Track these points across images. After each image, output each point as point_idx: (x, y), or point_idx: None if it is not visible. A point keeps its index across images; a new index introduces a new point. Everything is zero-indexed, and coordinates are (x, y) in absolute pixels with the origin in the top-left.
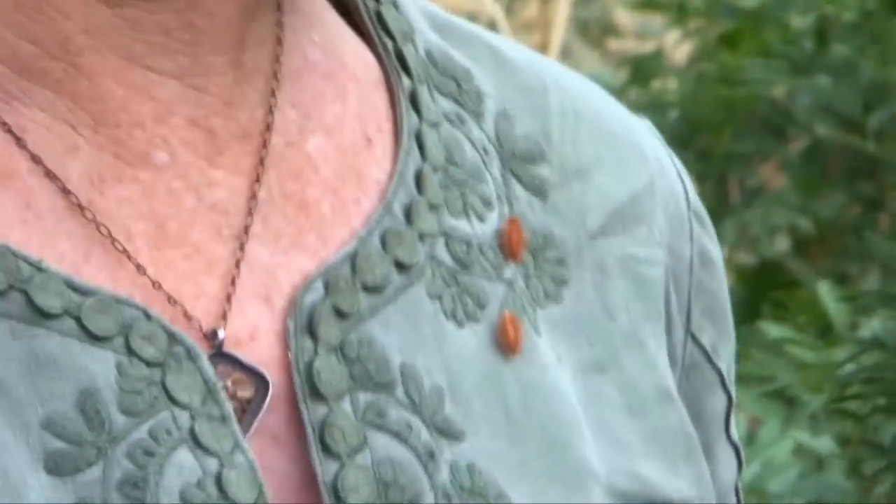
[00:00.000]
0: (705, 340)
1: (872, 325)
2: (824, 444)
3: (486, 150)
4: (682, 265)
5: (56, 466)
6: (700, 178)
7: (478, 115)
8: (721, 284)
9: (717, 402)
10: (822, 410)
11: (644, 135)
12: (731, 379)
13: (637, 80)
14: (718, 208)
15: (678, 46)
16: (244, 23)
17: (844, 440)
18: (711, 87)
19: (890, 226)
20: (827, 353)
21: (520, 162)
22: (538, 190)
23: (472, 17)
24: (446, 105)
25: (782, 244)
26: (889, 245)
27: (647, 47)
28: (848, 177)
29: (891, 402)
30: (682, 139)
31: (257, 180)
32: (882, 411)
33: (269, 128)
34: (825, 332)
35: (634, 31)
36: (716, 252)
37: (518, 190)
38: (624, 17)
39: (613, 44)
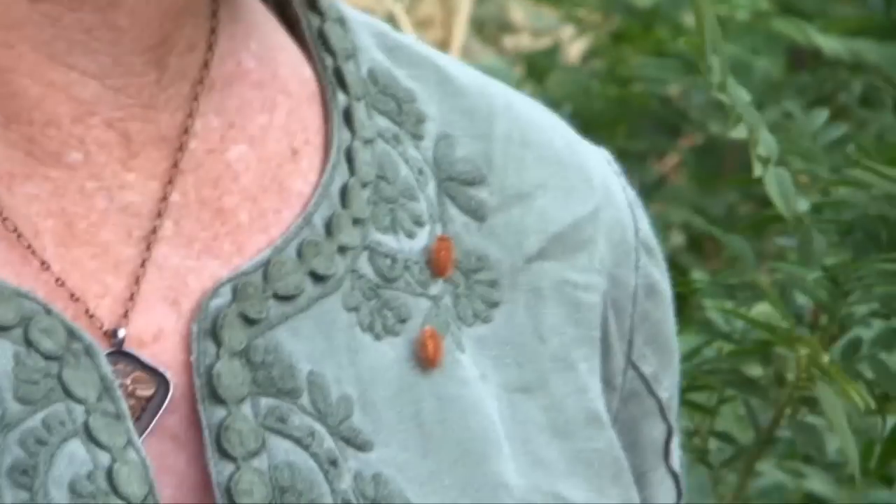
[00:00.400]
0: (646, 369)
1: (714, 316)
2: None
3: (420, 171)
4: (625, 294)
5: None
6: None
7: (416, 136)
8: (667, 315)
9: (656, 430)
10: None
11: (595, 164)
12: (672, 408)
13: (532, 75)
14: None
15: (573, 43)
16: (169, 25)
17: (690, 432)
18: (604, 85)
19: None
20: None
21: (457, 184)
22: (475, 212)
23: (370, 12)
24: (383, 123)
25: (677, 240)
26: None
27: (543, 44)
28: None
29: (735, 392)
30: None
31: (170, 183)
32: (728, 402)
33: (187, 132)
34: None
35: (530, 29)
36: (664, 283)
37: (453, 211)
38: (519, 14)
39: (509, 41)
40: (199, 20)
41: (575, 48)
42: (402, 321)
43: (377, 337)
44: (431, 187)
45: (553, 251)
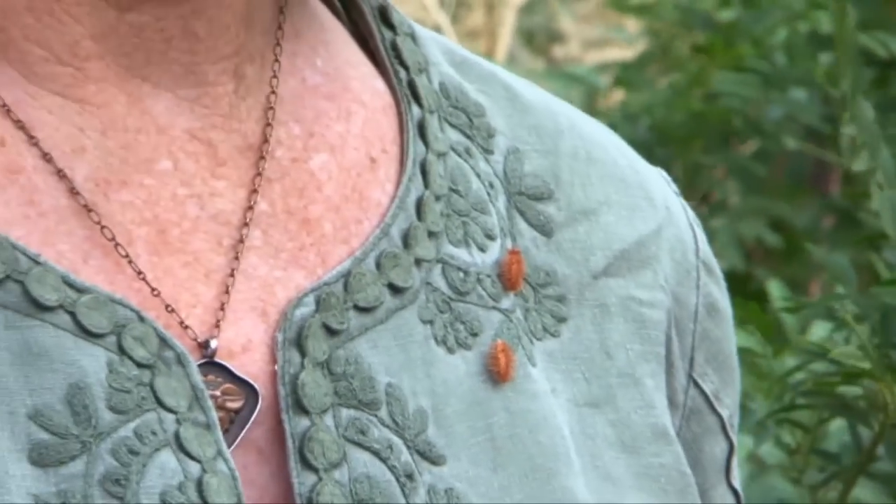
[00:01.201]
0: (707, 387)
1: (815, 334)
2: (769, 451)
3: (491, 185)
4: (687, 312)
5: (40, 457)
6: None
7: (486, 150)
8: (727, 333)
9: (717, 447)
10: (769, 418)
11: (656, 183)
12: (733, 425)
13: (620, 84)
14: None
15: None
16: (243, 35)
17: (792, 449)
18: (683, 99)
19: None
20: (779, 361)
21: (526, 199)
22: (543, 228)
23: (418, 22)
24: (455, 137)
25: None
26: (836, 256)
27: (592, 56)
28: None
29: (835, 411)
30: (647, 149)
31: (256, 192)
32: (827, 421)
33: (267, 141)
34: (778, 339)
35: (579, 39)
36: (724, 301)
37: (522, 226)
38: (568, 24)
39: (559, 51)
40: (267, 33)
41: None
42: (474, 335)
43: (450, 350)
44: (502, 201)
45: (618, 268)
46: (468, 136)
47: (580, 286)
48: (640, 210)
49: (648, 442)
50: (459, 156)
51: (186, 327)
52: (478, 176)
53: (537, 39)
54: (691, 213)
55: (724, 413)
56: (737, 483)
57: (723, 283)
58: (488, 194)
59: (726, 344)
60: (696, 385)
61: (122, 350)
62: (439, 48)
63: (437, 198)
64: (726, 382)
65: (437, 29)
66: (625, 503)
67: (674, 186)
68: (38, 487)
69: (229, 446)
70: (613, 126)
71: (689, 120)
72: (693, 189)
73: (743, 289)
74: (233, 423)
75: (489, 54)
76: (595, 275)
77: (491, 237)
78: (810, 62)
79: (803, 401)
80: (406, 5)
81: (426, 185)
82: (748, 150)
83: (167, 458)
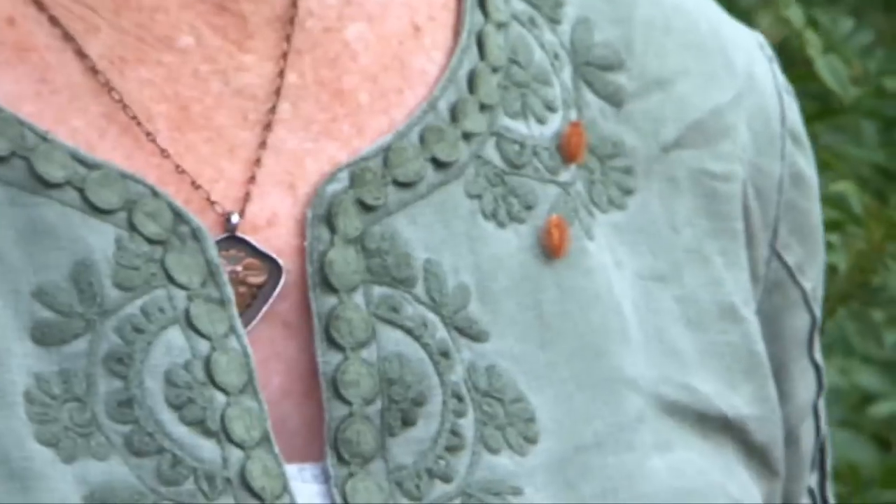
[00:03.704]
0: (790, 259)
1: None
2: None
3: (556, 56)
4: (770, 183)
5: (42, 336)
6: None
7: (553, 20)
8: (813, 204)
9: (800, 321)
10: None
11: (742, 49)
12: (817, 298)
13: None
14: None
15: None
16: None
17: None
18: None
19: None
20: None
21: (595, 69)
22: (612, 98)
23: None
24: (520, 7)
25: None
26: None
27: None
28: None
29: None
30: None
31: (286, 64)
32: None
33: (299, 10)
34: None
35: None
36: (809, 172)
37: (589, 97)
38: None
39: None
40: None
41: None
42: (529, 208)
43: (501, 224)
44: (567, 72)
45: (691, 139)
46: (534, 6)
47: (649, 158)
48: (718, 78)
49: (715, 319)
50: (523, 26)
51: (214, 202)
52: (542, 47)
53: None
54: (781, 80)
55: (808, 286)
56: (819, 357)
57: (811, 154)
58: (552, 65)
59: (812, 216)
60: (779, 257)
61: (132, 226)
62: None
63: (495, 69)
64: (811, 254)
65: None
66: (688, 379)
67: (768, 51)
68: (40, 366)
69: (250, 320)
70: None
71: None
72: None
73: None
74: (255, 298)
75: None
76: (665, 147)
77: (552, 109)
78: None
79: None
80: None
81: (482, 56)
82: None
83: (174, 335)
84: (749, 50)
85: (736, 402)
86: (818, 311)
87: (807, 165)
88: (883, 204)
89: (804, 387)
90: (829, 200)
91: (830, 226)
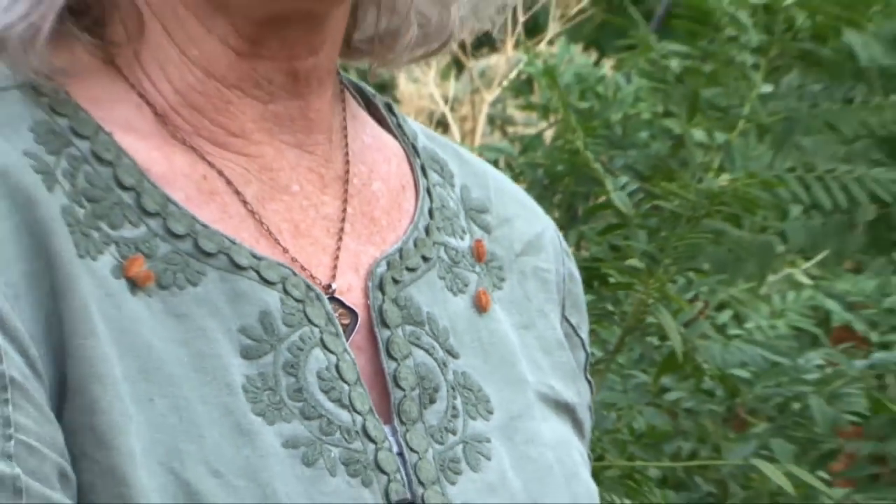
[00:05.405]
0: (573, 320)
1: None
2: None
3: (457, 204)
4: (560, 278)
5: (247, 354)
6: (557, 205)
7: (451, 185)
8: (580, 290)
9: (580, 356)
10: None
11: (537, 207)
12: (586, 341)
13: (525, 151)
14: (567, 224)
15: (546, 131)
16: (329, 117)
17: None
18: (562, 155)
19: None
20: None
21: (475, 212)
22: (486, 228)
23: (429, 112)
24: (436, 178)
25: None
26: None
27: (530, 131)
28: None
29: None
30: (546, 185)
31: (346, 202)
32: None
33: (349, 173)
34: None
35: (523, 122)
36: (576, 272)
37: (475, 228)
38: (518, 114)
39: (510, 129)
40: (338, 116)
41: (547, 134)
42: (466, 286)
43: (455, 294)
44: (462, 215)
45: (529, 250)
46: (442, 177)
47: (509, 262)
48: (533, 219)
49: (555, 348)
50: (441, 188)
51: (316, 279)
52: (451, 199)
53: (497, 122)
54: (553, 223)
55: (583, 336)
56: (589, 376)
57: (573, 260)
58: (456, 209)
59: (580, 296)
60: (567, 320)
61: (286, 292)
62: (417, 128)
63: (437, 209)
64: (582, 319)
65: (443, 115)
66: (549, 382)
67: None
68: (248, 371)
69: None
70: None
71: (567, 167)
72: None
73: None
74: (345, 331)
75: (472, 132)
76: (517, 255)
77: (464, 233)
78: (636, 135)
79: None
80: (421, 100)
81: (431, 201)
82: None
83: (318, 352)
84: (538, 207)
85: (571, 395)
86: (588, 350)
87: (573, 268)
88: (652, 272)
89: (585, 393)
90: (623, 272)
91: (626, 286)
